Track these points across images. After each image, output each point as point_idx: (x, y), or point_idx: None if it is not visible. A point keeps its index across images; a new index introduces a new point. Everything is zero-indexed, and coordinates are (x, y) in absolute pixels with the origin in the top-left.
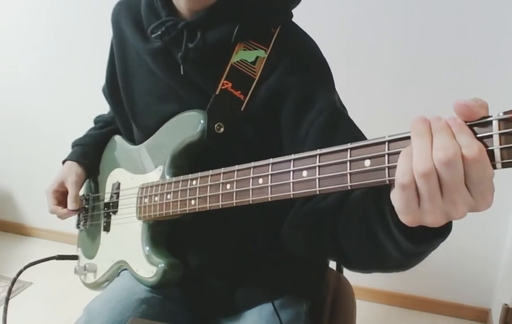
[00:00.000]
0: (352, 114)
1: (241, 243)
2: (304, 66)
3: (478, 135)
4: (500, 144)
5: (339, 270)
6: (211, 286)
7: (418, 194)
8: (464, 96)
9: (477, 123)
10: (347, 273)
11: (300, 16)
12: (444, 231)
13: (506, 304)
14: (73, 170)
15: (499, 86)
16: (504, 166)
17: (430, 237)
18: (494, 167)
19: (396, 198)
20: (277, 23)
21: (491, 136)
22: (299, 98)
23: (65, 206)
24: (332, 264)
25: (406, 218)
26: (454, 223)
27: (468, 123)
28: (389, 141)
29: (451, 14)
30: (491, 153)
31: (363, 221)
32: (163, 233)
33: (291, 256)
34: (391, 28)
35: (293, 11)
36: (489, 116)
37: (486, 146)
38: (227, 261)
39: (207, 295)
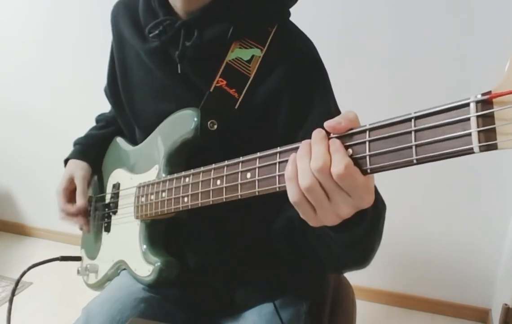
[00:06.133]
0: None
1: (239, 243)
2: (300, 71)
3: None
4: (478, 127)
5: None
6: (210, 285)
7: (311, 204)
8: (462, 94)
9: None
10: (347, 273)
11: (297, 14)
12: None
13: (506, 304)
14: (79, 165)
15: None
16: (482, 149)
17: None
18: (472, 151)
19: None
20: (274, 22)
21: (421, 130)
22: (295, 106)
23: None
24: None
25: (310, 223)
26: (454, 224)
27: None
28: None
29: (450, 11)
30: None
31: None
32: (160, 232)
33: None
34: (388, 26)
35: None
36: (467, 99)
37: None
38: (226, 261)
39: (206, 294)
